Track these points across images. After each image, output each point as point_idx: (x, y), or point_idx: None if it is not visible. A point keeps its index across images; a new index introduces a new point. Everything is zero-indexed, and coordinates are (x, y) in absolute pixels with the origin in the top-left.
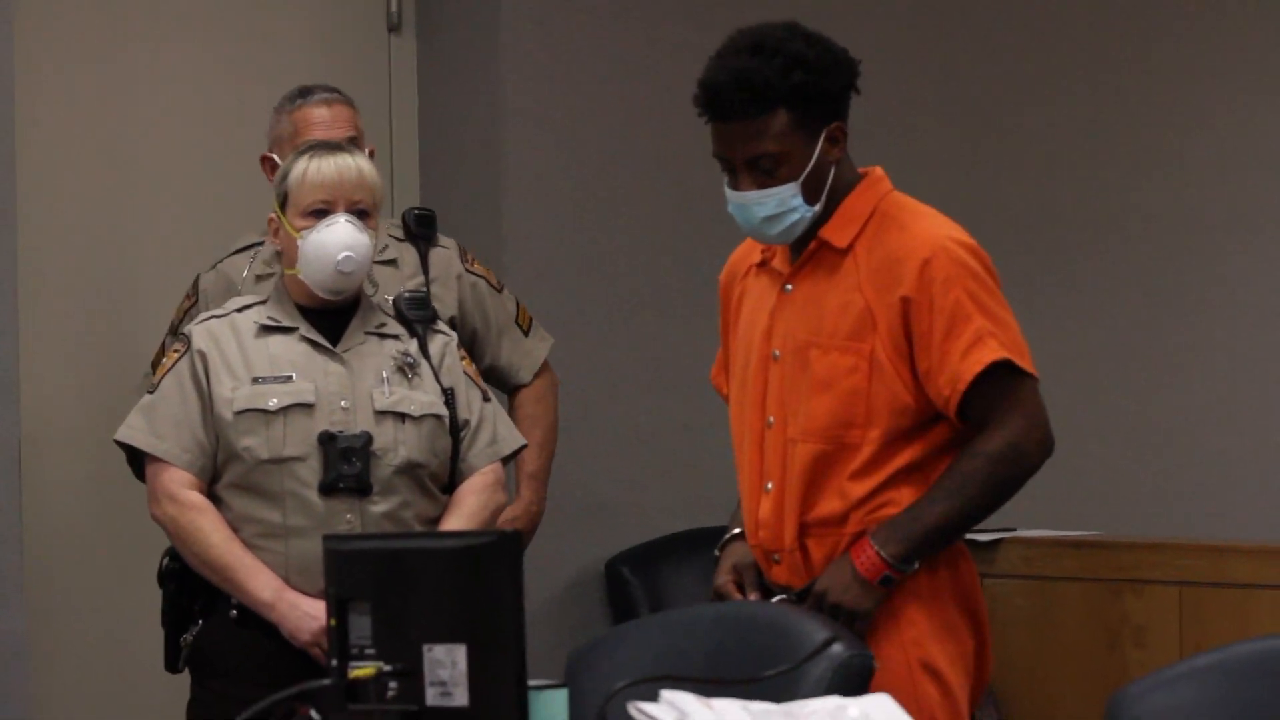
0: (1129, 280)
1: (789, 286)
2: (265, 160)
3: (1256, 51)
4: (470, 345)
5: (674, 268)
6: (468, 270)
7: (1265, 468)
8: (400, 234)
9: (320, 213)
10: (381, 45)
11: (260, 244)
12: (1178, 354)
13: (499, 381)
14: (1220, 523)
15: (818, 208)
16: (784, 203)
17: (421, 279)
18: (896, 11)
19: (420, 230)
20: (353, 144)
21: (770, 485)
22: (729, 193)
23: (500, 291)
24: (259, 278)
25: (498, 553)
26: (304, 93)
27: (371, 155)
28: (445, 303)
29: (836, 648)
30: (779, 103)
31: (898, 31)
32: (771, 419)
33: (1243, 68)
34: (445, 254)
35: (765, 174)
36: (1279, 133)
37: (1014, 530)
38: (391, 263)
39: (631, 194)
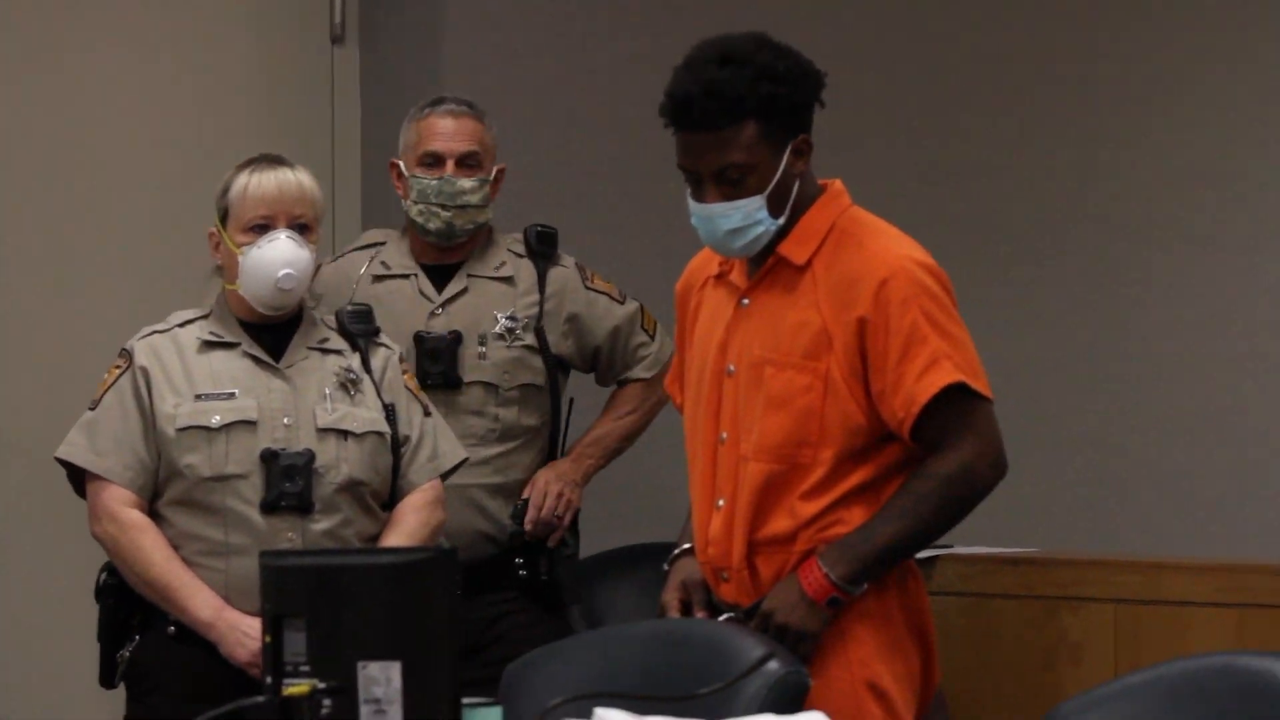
0: (1068, 295)
1: (746, 301)
2: (393, 166)
3: (1193, 69)
4: (594, 361)
5: (617, 280)
6: (588, 287)
7: (1201, 484)
8: (521, 250)
9: (261, 228)
10: (325, 56)
11: (383, 244)
12: (1115, 370)
13: (620, 382)
14: (1156, 540)
15: (782, 220)
16: (749, 215)
17: (537, 296)
18: (844, 24)
19: (541, 248)
20: (473, 158)
21: (722, 502)
22: (693, 204)
23: (623, 302)
24: (375, 278)
25: (433, 570)
26: (435, 102)
27: (500, 175)
28: (557, 320)
29: (772, 665)
30: (749, 114)
31: (845, 43)
32: (725, 435)
33: (1182, 84)
34: (564, 273)
35: (732, 185)
36: (1219, 148)
37: (951, 547)
38: (509, 280)
39: (577, 205)
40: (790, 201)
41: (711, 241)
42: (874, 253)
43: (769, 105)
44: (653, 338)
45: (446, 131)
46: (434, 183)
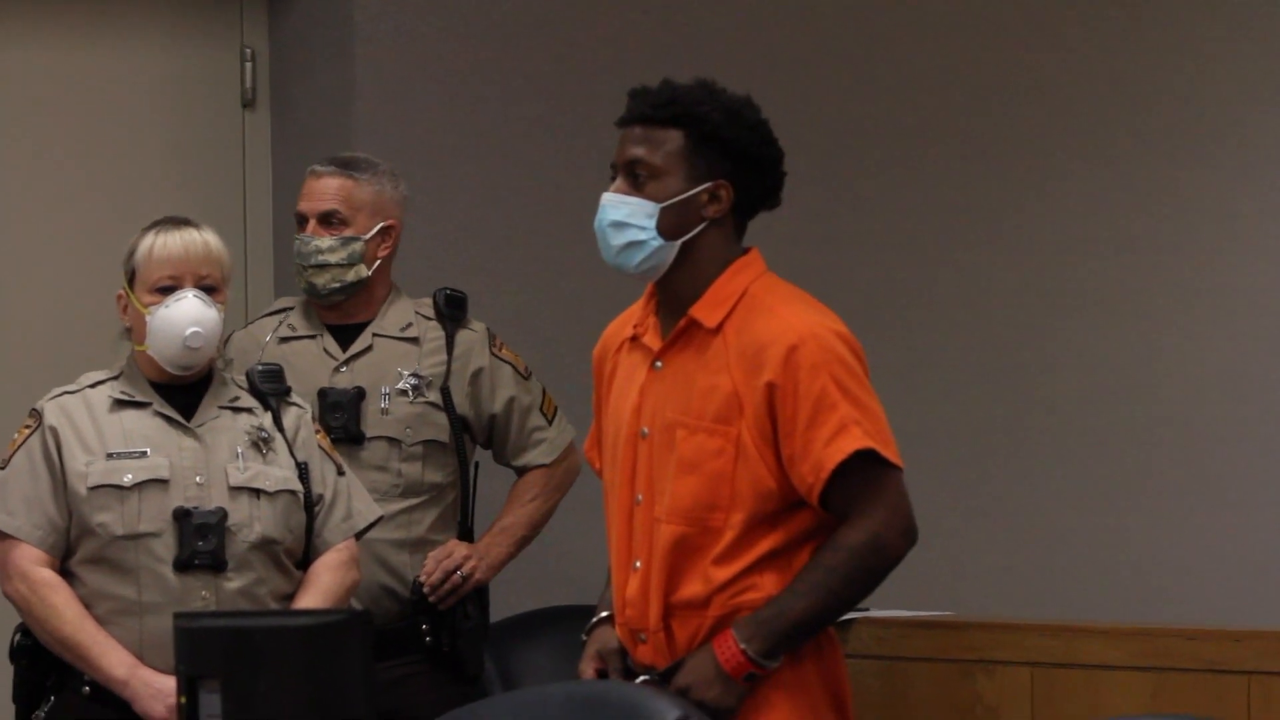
0: (980, 362)
1: (659, 364)
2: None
3: (1100, 135)
4: (489, 431)
5: (534, 342)
6: (495, 355)
7: (1115, 547)
8: (429, 313)
9: (168, 289)
10: (236, 120)
11: (291, 309)
12: (1029, 435)
13: (515, 466)
14: (1071, 603)
15: (670, 251)
16: (634, 214)
17: (444, 357)
18: (747, 87)
19: (450, 311)
20: (334, 217)
21: (639, 564)
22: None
23: (528, 379)
24: (282, 339)
25: (348, 631)
26: (321, 161)
27: (389, 231)
28: (462, 380)
29: None
30: (680, 123)
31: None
32: (640, 496)
33: (1088, 152)
34: (472, 336)
35: (634, 181)
36: (1125, 216)
37: (867, 610)
38: (413, 340)
39: (487, 271)
40: (688, 236)
41: (598, 233)
42: (785, 319)
43: (703, 125)
44: (550, 423)
45: (309, 192)
46: (296, 242)
